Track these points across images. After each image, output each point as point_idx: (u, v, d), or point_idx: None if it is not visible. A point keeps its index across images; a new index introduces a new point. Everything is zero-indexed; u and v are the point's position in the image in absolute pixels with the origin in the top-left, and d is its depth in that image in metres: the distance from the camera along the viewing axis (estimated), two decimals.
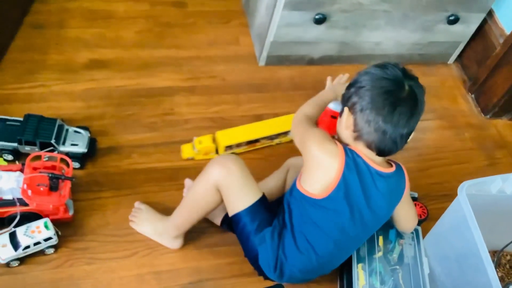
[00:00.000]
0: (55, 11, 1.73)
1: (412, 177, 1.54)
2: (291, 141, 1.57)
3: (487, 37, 1.81)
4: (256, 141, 1.52)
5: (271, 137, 1.54)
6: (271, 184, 1.38)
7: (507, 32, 1.73)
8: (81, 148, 1.36)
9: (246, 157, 1.46)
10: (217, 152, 1.50)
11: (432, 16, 1.72)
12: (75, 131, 1.38)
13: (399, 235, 1.31)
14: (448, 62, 1.96)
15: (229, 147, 1.48)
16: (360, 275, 1.23)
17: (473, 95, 1.87)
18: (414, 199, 1.39)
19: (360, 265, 1.25)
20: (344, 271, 1.28)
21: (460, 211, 1.14)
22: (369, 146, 1.08)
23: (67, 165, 1.24)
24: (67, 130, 1.37)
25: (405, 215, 1.25)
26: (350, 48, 1.77)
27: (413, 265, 1.27)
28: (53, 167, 1.25)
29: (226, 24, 1.85)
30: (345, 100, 1.10)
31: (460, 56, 1.94)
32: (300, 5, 1.56)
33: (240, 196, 1.17)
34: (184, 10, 1.86)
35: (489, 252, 1.09)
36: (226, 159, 1.18)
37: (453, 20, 1.74)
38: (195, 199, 1.24)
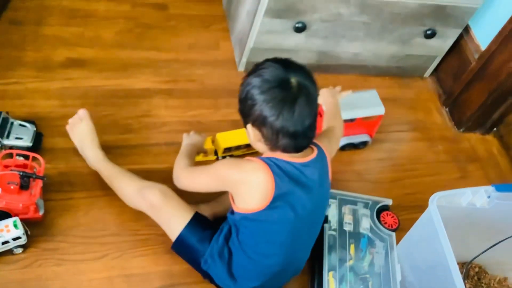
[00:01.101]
0: (34, 8, 1.71)
1: (385, 187, 1.58)
2: None
3: (463, 52, 1.85)
4: None
5: None
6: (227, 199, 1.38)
7: (483, 48, 1.76)
8: (26, 142, 1.34)
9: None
10: (216, 154, 1.50)
11: (410, 30, 1.75)
12: (20, 125, 1.36)
13: (371, 243, 1.32)
14: (424, 76, 1.99)
15: (228, 149, 1.49)
16: (330, 283, 1.24)
17: (447, 109, 1.90)
18: (386, 207, 1.41)
19: (331, 273, 1.25)
20: (315, 279, 1.28)
21: (430, 222, 1.15)
22: (286, 150, 1.08)
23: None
24: (12, 123, 1.35)
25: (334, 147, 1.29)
26: (329, 57, 1.79)
27: (384, 274, 1.28)
28: (25, 166, 1.23)
29: (207, 28, 1.86)
30: (244, 116, 1.10)
31: (436, 70, 1.97)
32: (281, 13, 1.57)
33: (170, 225, 1.21)
34: (165, 13, 1.85)
35: (458, 263, 1.11)
36: (154, 197, 1.21)
37: (430, 34, 1.77)
38: (121, 193, 1.30)
